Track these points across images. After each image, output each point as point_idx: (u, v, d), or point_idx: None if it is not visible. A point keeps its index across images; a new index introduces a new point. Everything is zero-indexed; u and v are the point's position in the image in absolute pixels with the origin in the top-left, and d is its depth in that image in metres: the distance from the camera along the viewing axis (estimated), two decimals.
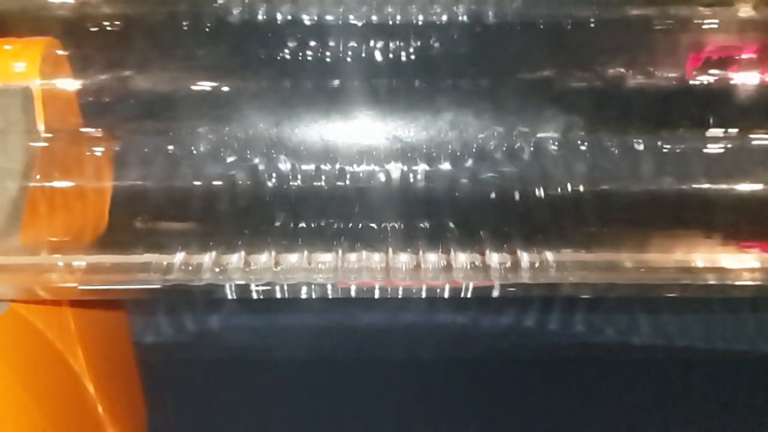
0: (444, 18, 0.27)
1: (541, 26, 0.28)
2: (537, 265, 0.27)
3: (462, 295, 0.28)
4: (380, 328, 0.57)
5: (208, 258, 0.27)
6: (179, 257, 0.27)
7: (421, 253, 0.27)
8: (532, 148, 0.27)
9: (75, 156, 0.27)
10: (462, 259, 0.27)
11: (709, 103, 0.27)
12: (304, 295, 0.28)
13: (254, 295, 0.28)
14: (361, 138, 0.27)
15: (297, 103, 0.27)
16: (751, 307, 0.57)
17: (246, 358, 0.56)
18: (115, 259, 0.27)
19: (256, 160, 0.27)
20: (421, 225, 0.28)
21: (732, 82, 0.27)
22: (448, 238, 0.28)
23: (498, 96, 0.27)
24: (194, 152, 0.27)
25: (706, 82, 0.27)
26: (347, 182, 0.27)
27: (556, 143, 0.27)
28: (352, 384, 0.54)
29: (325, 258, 0.27)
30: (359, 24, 0.28)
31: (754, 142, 0.27)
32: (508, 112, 0.27)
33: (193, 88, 0.27)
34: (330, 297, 0.28)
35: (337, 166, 0.27)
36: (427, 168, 0.27)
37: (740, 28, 0.28)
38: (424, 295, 0.28)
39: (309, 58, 0.27)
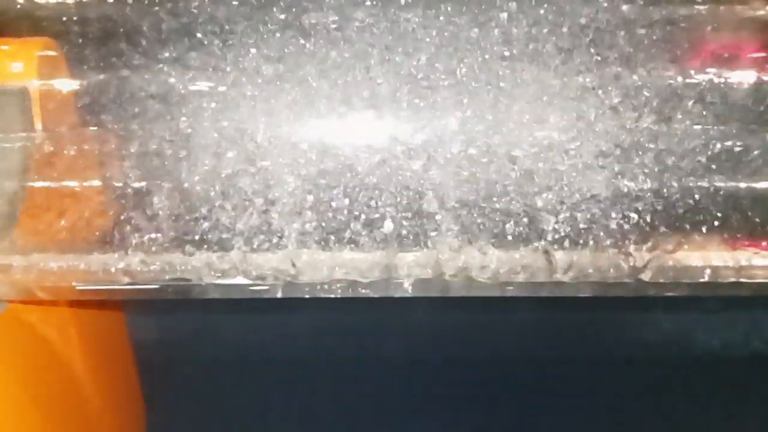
0: None
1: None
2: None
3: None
4: (380, 328, 0.57)
5: (207, 258, 0.27)
6: (177, 257, 0.27)
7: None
8: None
9: (72, 155, 0.27)
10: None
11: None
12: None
13: (259, 295, 0.28)
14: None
15: (304, 101, 0.27)
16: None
17: (245, 357, 0.56)
18: (111, 259, 0.27)
19: (257, 159, 0.27)
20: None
21: None
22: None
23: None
24: (194, 151, 0.27)
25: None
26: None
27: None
28: (352, 384, 0.54)
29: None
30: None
31: None
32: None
33: (191, 87, 0.27)
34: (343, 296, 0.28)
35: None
36: None
37: None
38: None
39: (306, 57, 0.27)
